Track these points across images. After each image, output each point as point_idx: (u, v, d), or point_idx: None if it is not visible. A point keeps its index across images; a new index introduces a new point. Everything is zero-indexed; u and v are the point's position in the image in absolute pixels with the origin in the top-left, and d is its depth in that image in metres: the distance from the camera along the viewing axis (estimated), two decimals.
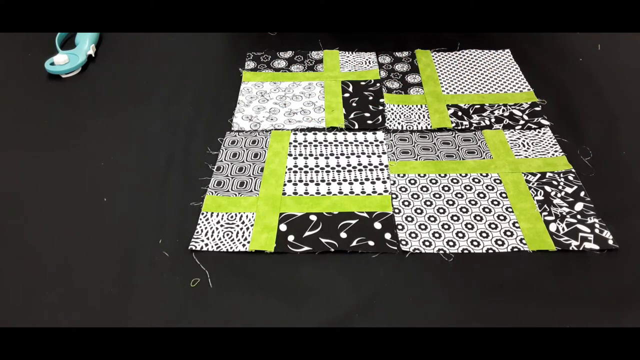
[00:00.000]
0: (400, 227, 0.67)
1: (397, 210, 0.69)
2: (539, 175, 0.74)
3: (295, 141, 0.81)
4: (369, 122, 0.84)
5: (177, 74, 0.96)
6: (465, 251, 0.64)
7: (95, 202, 0.72)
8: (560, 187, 0.72)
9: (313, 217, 0.69)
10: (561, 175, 0.73)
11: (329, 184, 0.74)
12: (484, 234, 0.66)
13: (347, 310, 0.58)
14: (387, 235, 0.66)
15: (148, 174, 0.76)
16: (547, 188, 0.72)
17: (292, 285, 0.61)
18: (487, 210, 0.69)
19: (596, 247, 0.64)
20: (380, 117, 0.84)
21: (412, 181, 0.74)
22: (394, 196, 0.71)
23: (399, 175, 0.75)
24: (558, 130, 0.81)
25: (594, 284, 0.60)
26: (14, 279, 0.62)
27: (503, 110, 0.85)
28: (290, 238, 0.66)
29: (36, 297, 0.60)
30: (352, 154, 0.78)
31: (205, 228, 0.68)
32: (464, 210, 0.69)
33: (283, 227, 0.67)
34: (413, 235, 0.66)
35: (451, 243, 0.65)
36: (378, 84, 0.92)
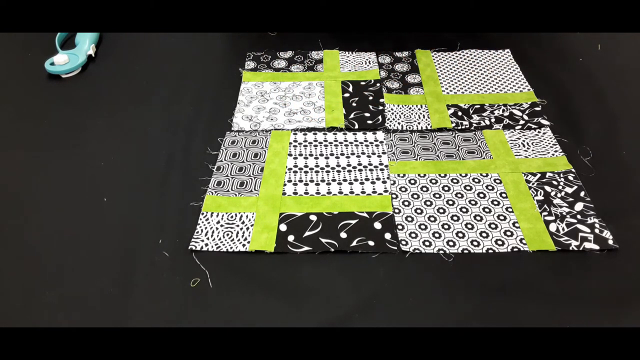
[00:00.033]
0: (400, 227, 0.67)
1: (397, 210, 0.69)
2: (539, 175, 0.74)
3: (295, 141, 0.81)
4: (369, 122, 0.84)
5: (177, 74, 0.96)
6: (465, 251, 0.64)
7: (95, 202, 0.72)
8: (560, 187, 0.72)
9: (313, 217, 0.69)
10: (561, 175, 0.73)
11: (329, 184, 0.74)
12: (484, 234, 0.66)
13: (347, 310, 0.58)
14: (387, 235, 0.66)
15: (148, 174, 0.76)
16: (547, 188, 0.72)
17: (292, 285, 0.61)
18: (487, 210, 0.69)
19: (596, 247, 0.64)
20: (380, 117, 0.84)
21: (412, 181, 0.74)
22: (394, 196, 0.71)
23: (399, 175, 0.75)
24: (558, 130, 0.81)
25: (594, 284, 0.60)
26: (14, 279, 0.62)
27: (503, 110, 0.85)
28: (290, 238, 0.66)
29: (36, 297, 0.60)
30: (352, 154, 0.78)
31: (205, 228, 0.68)
32: (464, 210, 0.69)
33: (283, 227, 0.67)
34: (413, 235, 0.66)
35: (451, 243, 0.65)
36: (378, 84, 0.92)
